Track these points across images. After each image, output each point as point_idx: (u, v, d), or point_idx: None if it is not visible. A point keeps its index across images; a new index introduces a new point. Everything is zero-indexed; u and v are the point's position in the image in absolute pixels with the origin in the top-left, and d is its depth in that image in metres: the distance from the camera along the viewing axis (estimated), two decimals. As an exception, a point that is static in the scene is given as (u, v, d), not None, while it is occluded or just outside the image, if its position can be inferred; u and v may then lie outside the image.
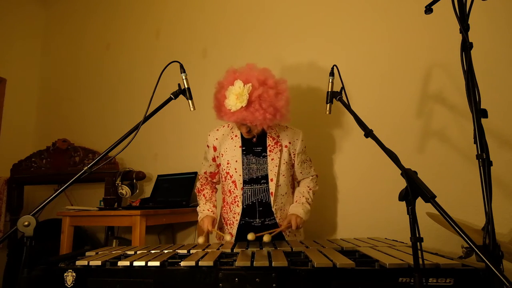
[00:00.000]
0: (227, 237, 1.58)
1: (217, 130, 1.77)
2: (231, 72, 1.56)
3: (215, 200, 1.80)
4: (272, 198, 1.64)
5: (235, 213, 1.66)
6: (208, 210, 1.71)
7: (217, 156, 1.75)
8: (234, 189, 1.66)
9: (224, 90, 1.52)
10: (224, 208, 1.75)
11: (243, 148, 1.68)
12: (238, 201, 1.65)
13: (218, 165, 1.77)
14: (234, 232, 1.66)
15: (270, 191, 1.64)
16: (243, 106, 1.46)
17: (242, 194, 1.65)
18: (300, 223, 1.63)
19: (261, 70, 1.57)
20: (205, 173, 1.84)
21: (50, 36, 3.66)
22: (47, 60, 3.63)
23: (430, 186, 0.87)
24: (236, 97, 1.47)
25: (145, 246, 1.45)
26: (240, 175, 1.65)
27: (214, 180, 1.86)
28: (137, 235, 2.01)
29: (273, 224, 1.66)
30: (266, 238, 1.48)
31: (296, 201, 1.74)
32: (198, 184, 1.86)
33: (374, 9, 2.20)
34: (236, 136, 1.71)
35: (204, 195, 1.80)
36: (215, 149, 1.74)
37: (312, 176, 1.83)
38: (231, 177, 1.67)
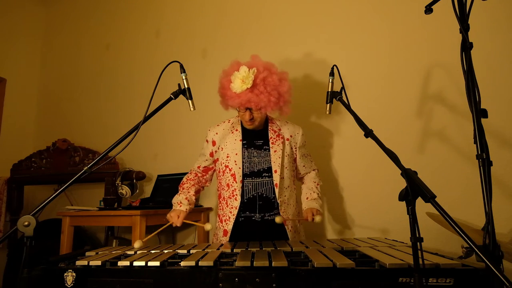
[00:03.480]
0: (208, 226, 1.56)
1: (218, 125, 1.78)
2: (236, 62, 1.62)
3: (193, 195, 1.70)
4: (277, 190, 1.63)
5: (232, 207, 1.64)
6: (178, 203, 1.64)
7: (216, 151, 1.74)
8: (232, 182, 1.64)
9: (230, 75, 1.58)
10: (220, 204, 1.72)
11: (244, 141, 1.69)
12: (236, 195, 1.63)
13: (215, 161, 1.76)
14: (229, 228, 1.62)
15: (275, 182, 1.63)
16: (248, 88, 1.52)
17: (242, 187, 1.63)
18: (319, 215, 1.65)
19: (266, 61, 1.64)
20: (198, 167, 1.81)
21: (50, 36, 3.66)
22: (47, 60, 3.63)
23: (430, 186, 0.87)
24: (242, 80, 1.52)
25: (145, 246, 1.45)
26: (239, 168, 1.64)
27: (205, 176, 1.82)
28: (137, 235, 2.01)
29: (273, 220, 1.62)
30: (278, 219, 1.57)
31: (307, 198, 1.75)
32: (184, 178, 1.81)
33: (374, 9, 2.20)
34: (236, 130, 1.72)
35: (182, 188, 1.74)
36: (214, 143, 1.73)
37: (314, 170, 1.87)
38: (230, 170, 1.65)
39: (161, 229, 1.57)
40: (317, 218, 1.58)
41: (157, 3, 3.06)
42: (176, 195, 1.70)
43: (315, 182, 1.81)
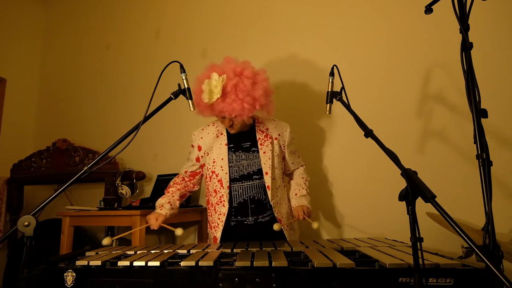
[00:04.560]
0: (178, 231, 1.50)
1: (202, 129, 1.75)
2: (209, 67, 1.56)
3: (177, 199, 1.69)
4: (269, 192, 1.60)
5: (220, 214, 1.61)
6: (159, 207, 1.62)
7: (202, 156, 1.71)
8: (220, 188, 1.61)
9: (202, 84, 1.52)
10: (209, 210, 1.69)
11: (231, 145, 1.66)
12: (224, 201, 1.60)
13: (202, 166, 1.74)
14: (218, 235, 1.60)
15: (266, 184, 1.61)
16: (219, 97, 1.46)
17: (230, 193, 1.61)
18: (310, 212, 1.66)
19: (239, 62, 1.57)
20: (185, 172, 1.79)
21: (50, 36, 3.66)
22: (47, 60, 3.63)
23: (430, 186, 0.87)
24: (212, 90, 1.47)
25: (145, 246, 1.45)
26: (226, 173, 1.61)
27: (193, 181, 1.80)
28: (137, 235, 2.00)
29: (266, 222, 1.62)
30: (276, 226, 1.52)
31: (296, 194, 1.74)
32: (171, 182, 1.79)
33: (374, 9, 2.20)
34: (222, 134, 1.69)
35: (168, 191, 1.73)
36: (199, 148, 1.71)
37: (302, 165, 1.85)
38: (217, 176, 1.62)
39: (137, 229, 1.57)
40: (315, 225, 1.53)
41: (157, 3, 3.06)
42: (160, 198, 1.68)
43: (303, 178, 1.80)
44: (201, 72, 1.58)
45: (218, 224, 1.61)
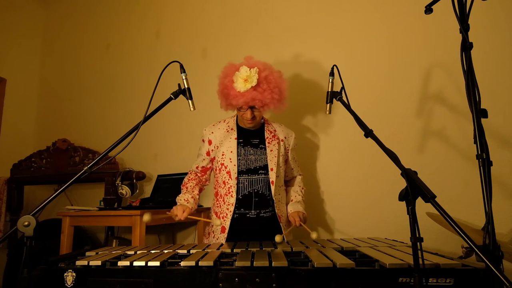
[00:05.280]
0: (217, 221, 1.60)
1: (213, 125, 1.81)
2: (231, 64, 1.64)
3: (197, 194, 1.75)
4: (273, 188, 1.66)
5: (229, 204, 1.66)
6: (185, 200, 1.67)
7: (212, 150, 1.76)
8: (228, 179, 1.67)
9: (231, 76, 1.60)
10: (217, 201, 1.74)
11: (240, 140, 1.73)
12: (232, 192, 1.66)
13: (212, 160, 1.78)
14: (227, 224, 1.65)
15: (271, 180, 1.67)
16: (253, 86, 1.55)
17: (237, 184, 1.66)
18: (305, 217, 1.71)
19: (261, 61, 1.66)
20: (196, 167, 1.83)
21: (50, 36, 3.66)
22: (47, 60, 3.63)
23: (430, 186, 0.87)
24: (245, 79, 1.55)
25: (145, 246, 1.45)
26: (235, 165, 1.67)
27: (205, 176, 1.84)
28: (137, 235, 2.01)
29: (268, 217, 1.67)
30: (278, 238, 1.49)
31: (292, 200, 1.80)
32: (185, 179, 1.83)
33: (374, 9, 2.20)
34: (232, 129, 1.75)
35: (186, 187, 1.77)
36: (210, 142, 1.76)
37: (300, 174, 1.92)
38: (225, 167, 1.68)
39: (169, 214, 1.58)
40: (314, 235, 1.53)
41: (157, 3, 3.06)
42: (181, 194, 1.73)
43: (300, 186, 1.87)
44: (224, 69, 1.65)
45: (227, 214, 1.66)
